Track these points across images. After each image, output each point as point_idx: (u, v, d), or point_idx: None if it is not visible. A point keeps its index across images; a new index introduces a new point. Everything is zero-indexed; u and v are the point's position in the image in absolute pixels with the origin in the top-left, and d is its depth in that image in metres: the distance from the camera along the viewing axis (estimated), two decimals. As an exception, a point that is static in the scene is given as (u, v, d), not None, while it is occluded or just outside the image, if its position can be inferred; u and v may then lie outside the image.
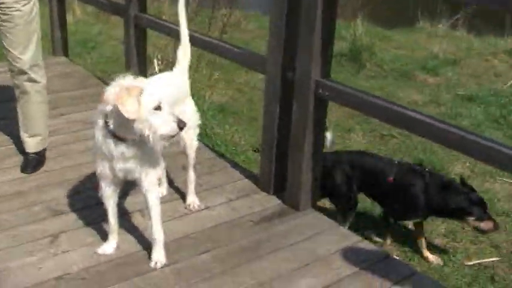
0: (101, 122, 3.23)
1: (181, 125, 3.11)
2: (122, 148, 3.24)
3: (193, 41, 4.08)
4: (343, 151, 5.16)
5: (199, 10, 8.60)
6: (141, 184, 3.44)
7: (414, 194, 4.37)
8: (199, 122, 4.07)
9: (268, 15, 4.20)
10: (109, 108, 3.12)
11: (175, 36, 4.41)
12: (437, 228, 4.83)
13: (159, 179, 3.85)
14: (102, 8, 7.45)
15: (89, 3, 7.98)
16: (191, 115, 3.92)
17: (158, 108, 3.08)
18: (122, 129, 3.18)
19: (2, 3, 4.21)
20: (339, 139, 6.30)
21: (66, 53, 7.41)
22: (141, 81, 3.19)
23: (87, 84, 6.54)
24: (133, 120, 3.06)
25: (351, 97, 3.77)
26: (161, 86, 3.33)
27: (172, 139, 3.27)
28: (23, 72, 4.39)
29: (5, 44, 4.35)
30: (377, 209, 4.93)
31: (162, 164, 3.93)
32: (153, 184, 3.46)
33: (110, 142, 3.23)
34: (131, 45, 5.84)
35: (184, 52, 4.00)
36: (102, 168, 3.39)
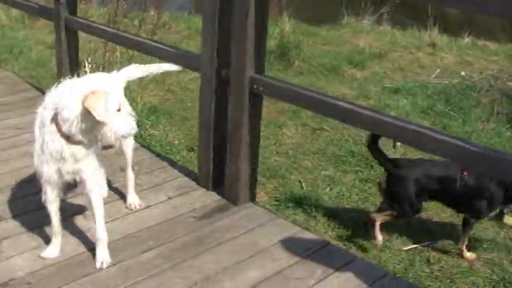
0: (51, 125, 3.25)
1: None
2: (73, 150, 3.28)
3: (126, 42, 4.13)
4: (414, 160, 4.97)
5: (127, 12, 8.59)
6: (87, 185, 3.48)
7: (490, 186, 4.26)
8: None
9: (201, 15, 4.26)
10: (73, 113, 3.14)
11: (108, 38, 4.44)
12: (372, 216, 4.96)
13: None
14: (31, 12, 7.42)
15: (17, 8, 7.90)
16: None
17: (119, 110, 3.14)
18: (83, 133, 3.21)
19: None
20: (272, 135, 6.39)
21: (-7, 60, 7.35)
22: (92, 82, 3.28)
23: (18, 89, 6.49)
24: (101, 123, 3.12)
25: (286, 91, 3.88)
26: (115, 87, 3.40)
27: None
28: None
29: None
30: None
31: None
32: (98, 184, 3.52)
33: (61, 145, 3.25)
34: (63, 48, 5.84)
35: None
36: (48, 172, 3.41)
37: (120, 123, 3.18)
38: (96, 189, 3.51)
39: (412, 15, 12.25)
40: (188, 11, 12.84)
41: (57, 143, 3.26)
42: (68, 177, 3.44)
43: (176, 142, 6.11)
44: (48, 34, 10.48)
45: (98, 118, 3.08)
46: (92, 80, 3.61)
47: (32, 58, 8.99)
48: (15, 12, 11.62)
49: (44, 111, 3.29)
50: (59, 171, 3.39)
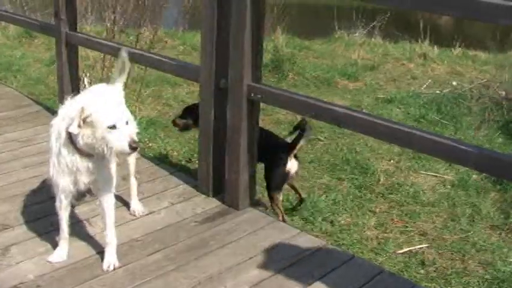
0: (65, 138, 3.40)
1: (133, 145, 3.27)
2: (87, 162, 3.43)
3: (130, 55, 4.24)
4: None
5: (124, 28, 8.73)
6: (101, 194, 3.64)
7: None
8: (138, 130, 4.25)
9: (199, 29, 4.40)
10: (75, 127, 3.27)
11: (108, 52, 4.56)
12: (368, 221, 5.08)
13: None
14: (32, 28, 7.53)
15: (18, 25, 8.03)
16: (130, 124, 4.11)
17: (113, 127, 3.24)
18: (88, 147, 3.35)
19: None
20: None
21: (-6, 77, 7.50)
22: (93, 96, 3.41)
23: (20, 104, 6.62)
24: (99, 138, 3.26)
25: (282, 97, 4.03)
26: (118, 102, 3.50)
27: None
28: None
29: None
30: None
31: None
32: (111, 193, 3.68)
33: (76, 157, 3.40)
34: (63, 63, 5.95)
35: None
36: (64, 182, 3.55)
37: (112, 140, 3.25)
38: (109, 198, 3.67)
39: (403, 28, 12.45)
40: (183, 27, 13.01)
41: (72, 155, 3.41)
42: (83, 187, 3.60)
43: (175, 153, 6.25)
44: (46, 52, 10.64)
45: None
46: (94, 93, 3.72)
47: (30, 75, 9.12)
48: (12, 30, 11.78)
49: (60, 123, 3.43)
50: (74, 182, 3.54)
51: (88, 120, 3.24)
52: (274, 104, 4.33)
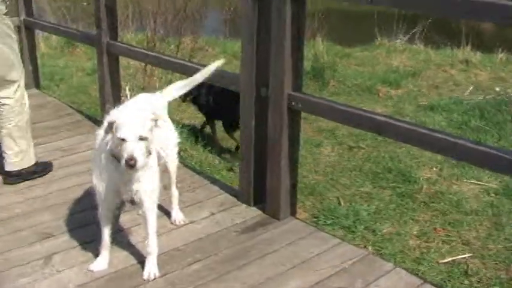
0: (108, 148, 3.44)
1: (129, 162, 3.22)
2: (130, 173, 3.43)
3: (168, 64, 4.28)
4: None
5: (164, 37, 8.78)
6: (144, 204, 3.63)
7: None
8: (179, 140, 4.26)
9: (239, 37, 4.40)
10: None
11: (149, 61, 4.58)
12: (410, 230, 5.02)
13: None
14: (73, 38, 7.63)
15: (59, 35, 8.13)
16: (171, 134, 4.14)
17: (123, 140, 3.25)
18: (113, 153, 3.40)
19: None
20: (309, 154, 6.50)
21: (37, 86, 7.59)
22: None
23: (62, 114, 6.70)
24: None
25: (322, 106, 4.01)
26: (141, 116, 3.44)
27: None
28: None
29: None
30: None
31: None
32: (154, 203, 3.68)
33: (119, 167, 3.40)
34: (104, 73, 5.99)
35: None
36: (106, 192, 3.58)
37: (121, 151, 3.26)
38: (152, 207, 3.67)
39: (445, 34, 12.30)
40: (223, 35, 13.03)
41: (116, 166, 3.42)
42: (126, 197, 3.61)
43: (216, 162, 6.24)
44: (87, 61, 10.73)
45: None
46: (131, 102, 3.82)
47: (73, 84, 9.21)
48: (54, 40, 11.91)
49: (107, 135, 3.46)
50: (117, 191, 3.57)
51: (113, 127, 3.28)
52: (314, 113, 4.31)
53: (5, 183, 4.97)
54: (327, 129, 7.25)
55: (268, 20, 4.07)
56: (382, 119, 3.70)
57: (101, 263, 3.83)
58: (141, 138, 3.27)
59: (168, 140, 4.11)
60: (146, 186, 3.58)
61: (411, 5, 3.62)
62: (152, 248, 3.73)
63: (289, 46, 3.98)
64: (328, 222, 4.93)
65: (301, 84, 4.17)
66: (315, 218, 5.03)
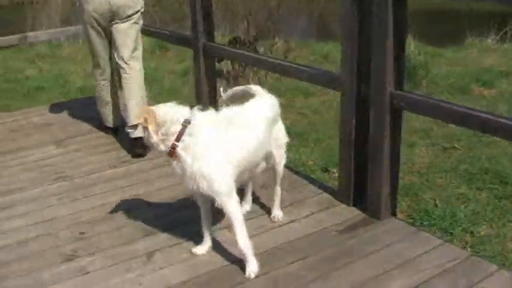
0: None
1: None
2: (175, 166, 3.65)
3: (267, 65, 4.28)
4: None
5: (256, 38, 8.81)
6: (214, 198, 3.69)
7: None
8: (287, 139, 4.26)
9: (340, 33, 4.36)
10: None
11: (247, 62, 4.60)
12: (509, 232, 4.90)
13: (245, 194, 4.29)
14: (169, 40, 7.71)
15: (154, 37, 8.24)
16: (282, 134, 4.19)
17: None
18: None
19: None
20: (403, 155, 6.38)
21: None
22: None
23: (158, 115, 6.78)
24: None
25: (427, 105, 3.94)
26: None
27: None
28: None
29: None
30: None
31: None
32: (223, 195, 3.62)
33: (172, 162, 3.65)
34: (201, 74, 6.05)
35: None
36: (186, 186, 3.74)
37: None
38: (224, 200, 3.64)
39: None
40: (313, 37, 12.98)
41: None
42: (189, 191, 3.76)
43: (310, 163, 6.22)
44: (178, 64, 10.88)
45: None
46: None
47: (165, 86, 9.35)
48: (146, 43, 12.09)
49: None
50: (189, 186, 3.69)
51: None
52: (417, 112, 4.24)
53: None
54: (420, 129, 7.15)
55: (369, 17, 4.03)
56: (489, 116, 3.62)
57: (203, 247, 3.99)
58: None
59: (279, 141, 4.16)
60: (198, 177, 3.65)
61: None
62: (242, 247, 3.72)
63: (391, 44, 3.93)
64: (425, 223, 4.86)
65: (403, 83, 4.12)
66: (411, 219, 4.96)
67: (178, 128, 3.55)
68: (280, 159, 4.23)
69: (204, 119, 3.64)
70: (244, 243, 3.70)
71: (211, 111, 3.75)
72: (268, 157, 4.04)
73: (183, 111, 3.63)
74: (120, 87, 6.08)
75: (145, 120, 3.55)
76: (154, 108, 3.62)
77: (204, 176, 3.54)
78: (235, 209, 3.66)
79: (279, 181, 4.34)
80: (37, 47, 12.71)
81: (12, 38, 7.87)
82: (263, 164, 4.07)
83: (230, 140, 3.63)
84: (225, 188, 3.59)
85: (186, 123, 3.55)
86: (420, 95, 4.09)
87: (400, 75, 4.06)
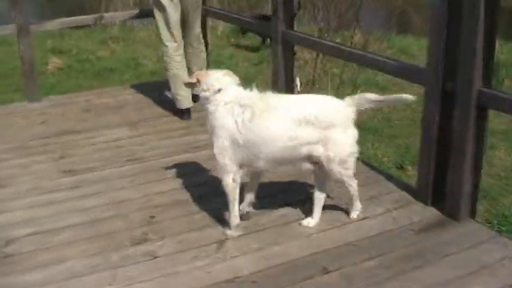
0: None
1: None
2: None
3: (346, 55, 4.17)
4: None
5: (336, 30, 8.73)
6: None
7: None
8: (353, 150, 4.07)
9: (429, 29, 4.21)
10: None
11: (326, 51, 4.50)
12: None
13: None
14: (247, 27, 7.67)
15: (233, 23, 8.22)
16: (339, 148, 3.96)
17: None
18: None
19: None
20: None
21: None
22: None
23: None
24: None
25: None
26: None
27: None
28: None
29: None
30: None
31: None
32: (220, 171, 4.08)
33: None
34: (279, 62, 5.95)
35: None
36: None
37: None
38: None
39: None
40: (391, 30, 12.75)
41: None
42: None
43: (385, 159, 6.10)
44: (253, 52, 10.83)
45: None
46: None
47: (239, 74, 9.30)
48: (220, 30, 12.12)
49: None
50: None
51: None
52: (506, 111, 4.06)
53: None
54: (500, 131, 6.95)
55: (458, 14, 3.87)
56: None
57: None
58: None
59: (332, 154, 3.94)
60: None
61: None
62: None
63: (481, 41, 3.77)
64: (503, 228, 4.70)
65: (492, 80, 3.94)
66: (489, 223, 4.82)
67: (209, 95, 3.97)
68: (340, 176, 4.06)
69: (229, 96, 3.96)
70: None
71: (255, 92, 4.08)
72: (316, 161, 3.96)
73: (224, 81, 4.02)
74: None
75: (198, 81, 4.04)
76: (210, 72, 4.11)
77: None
78: (227, 186, 4.02)
79: (354, 195, 4.24)
80: (110, 29, 12.90)
81: (88, 18, 7.94)
82: (306, 165, 4.00)
83: (238, 122, 3.86)
84: (222, 166, 3.99)
85: (216, 92, 3.94)
86: (509, 94, 3.90)
87: (489, 71, 3.89)
